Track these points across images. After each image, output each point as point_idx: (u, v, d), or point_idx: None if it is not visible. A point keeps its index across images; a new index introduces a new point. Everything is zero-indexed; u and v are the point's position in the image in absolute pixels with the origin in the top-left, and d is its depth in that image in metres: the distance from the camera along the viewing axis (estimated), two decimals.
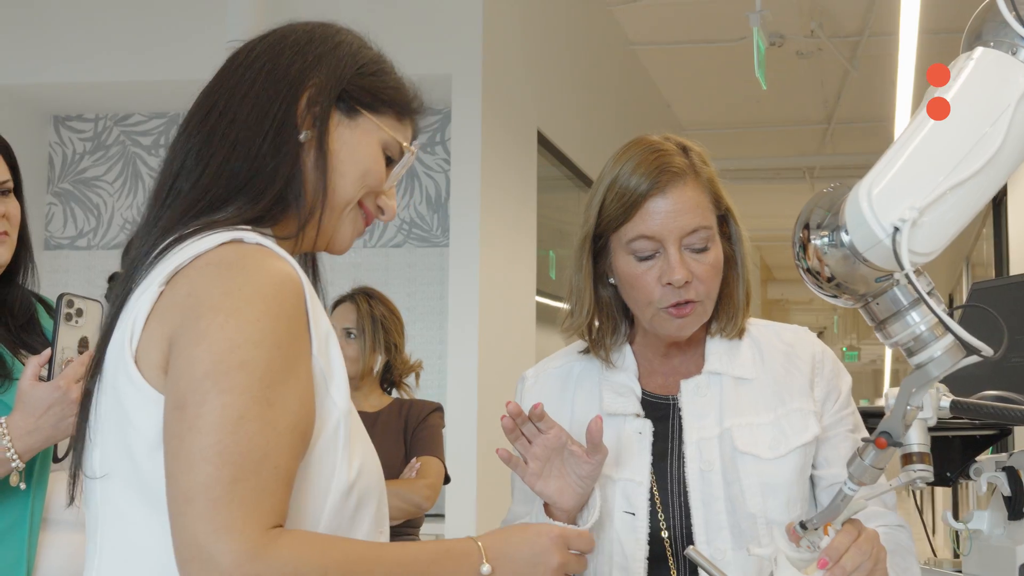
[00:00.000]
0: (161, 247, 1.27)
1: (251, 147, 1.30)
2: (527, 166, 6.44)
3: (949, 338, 1.31)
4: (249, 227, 1.27)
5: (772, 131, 10.26)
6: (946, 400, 1.53)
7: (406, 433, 3.43)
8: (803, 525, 1.42)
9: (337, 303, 3.62)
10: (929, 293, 1.29)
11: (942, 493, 10.78)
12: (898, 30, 5.54)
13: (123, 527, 1.24)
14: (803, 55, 8.30)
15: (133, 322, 1.23)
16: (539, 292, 6.87)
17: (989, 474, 1.77)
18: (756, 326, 1.80)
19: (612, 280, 1.75)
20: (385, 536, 1.34)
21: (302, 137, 1.32)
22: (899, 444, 1.35)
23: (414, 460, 3.35)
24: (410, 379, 3.66)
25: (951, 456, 2.00)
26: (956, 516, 1.86)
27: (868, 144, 10.46)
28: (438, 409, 3.53)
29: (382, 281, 3.78)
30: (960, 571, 1.89)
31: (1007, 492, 1.74)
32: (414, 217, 5.74)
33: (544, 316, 6.85)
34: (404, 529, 3.34)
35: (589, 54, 7.68)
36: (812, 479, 1.73)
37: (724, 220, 1.74)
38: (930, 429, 1.97)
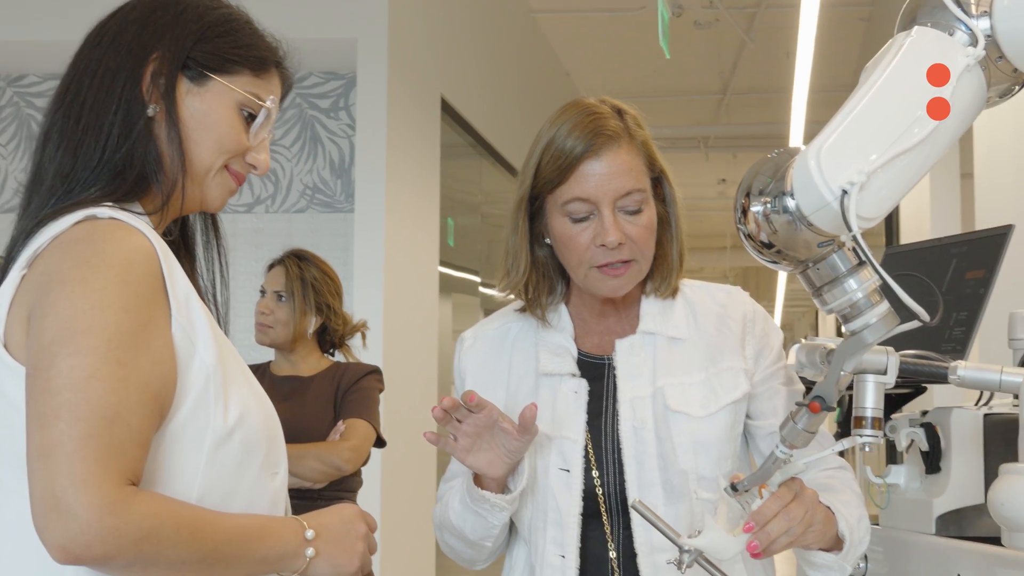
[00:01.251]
0: (27, 231, 1.32)
1: (102, 129, 1.33)
2: (431, 133, 6.42)
3: (884, 305, 1.35)
4: (110, 203, 1.31)
5: (668, 101, 10.35)
6: (895, 360, 1.59)
7: (337, 396, 3.40)
8: (734, 487, 1.45)
9: (271, 266, 3.58)
10: (864, 262, 1.33)
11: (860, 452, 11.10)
12: (798, 2, 5.62)
13: (8, 501, 1.26)
14: (701, 25, 8.38)
15: (1, 307, 1.27)
16: (440, 262, 6.87)
17: (909, 430, 1.82)
18: (690, 287, 1.84)
19: (548, 241, 1.77)
20: (282, 479, 1.40)
21: (150, 112, 1.34)
22: (831, 408, 1.39)
23: (340, 423, 3.33)
24: (356, 340, 3.64)
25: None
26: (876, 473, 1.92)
27: (763, 115, 10.63)
28: (373, 372, 3.50)
29: (284, 247, 3.73)
30: (878, 524, 1.95)
31: (925, 447, 1.80)
32: (317, 183, 5.68)
33: (443, 286, 6.85)
34: (337, 493, 3.29)
35: (492, 21, 7.66)
36: (749, 431, 1.77)
37: (658, 182, 1.77)
38: (850, 391, 2.05)
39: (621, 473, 1.71)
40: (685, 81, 10.01)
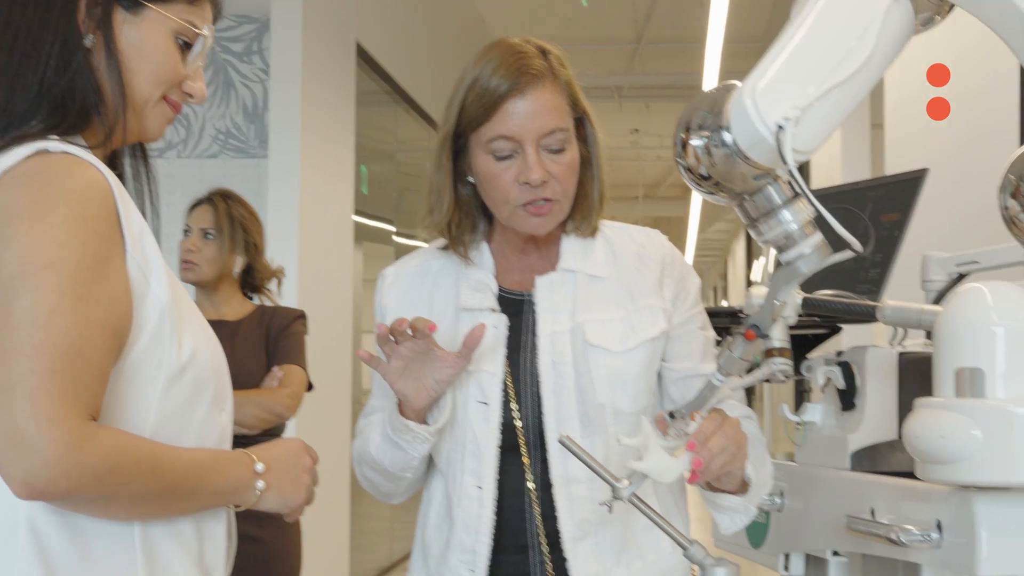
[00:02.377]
0: None
1: (39, 62, 1.31)
2: (346, 80, 6.35)
3: (818, 236, 1.38)
4: (56, 137, 1.30)
5: (582, 49, 10.36)
6: (798, 297, 1.62)
7: (268, 342, 3.37)
8: (672, 415, 1.49)
9: (194, 205, 3.52)
10: (800, 194, 1.37)
11: (771, 392, 11.33)
12: None
13: None
14: None
15: None
16: (355, 211, 6.81)
17: (826, 368, 1.86)
18: (610, 227, 1.86)
19: (471, 179, 1.78)
20: (228, 415, 1.42)
21: (87, 43, 1.33)
22: (766, 336, 1.42)
23: (276, 369, 3.30)
24: (272, 285, 3.61)
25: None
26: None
27: (677, 65, 10.68)
28: (301, 316, 3.48)
29: (197, 193, 3.68)
30: (794, 461, 1.99)
31: (841, 385, 1.83)
32: (230, 127, 5.60)
33: (357, 234, 6.80)
34: (266, 440, 3.29)
35: None
36: (661, 374, 1.80)
37: (580, 123, 1.78)
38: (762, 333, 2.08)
39: (539, 406, 1.73)
40: (599, 30, 10.01)
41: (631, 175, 16.39)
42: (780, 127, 1.28)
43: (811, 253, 1.38)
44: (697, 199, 15.23)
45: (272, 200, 5.44)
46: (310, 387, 3.44)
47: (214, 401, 1.38)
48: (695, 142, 1.37)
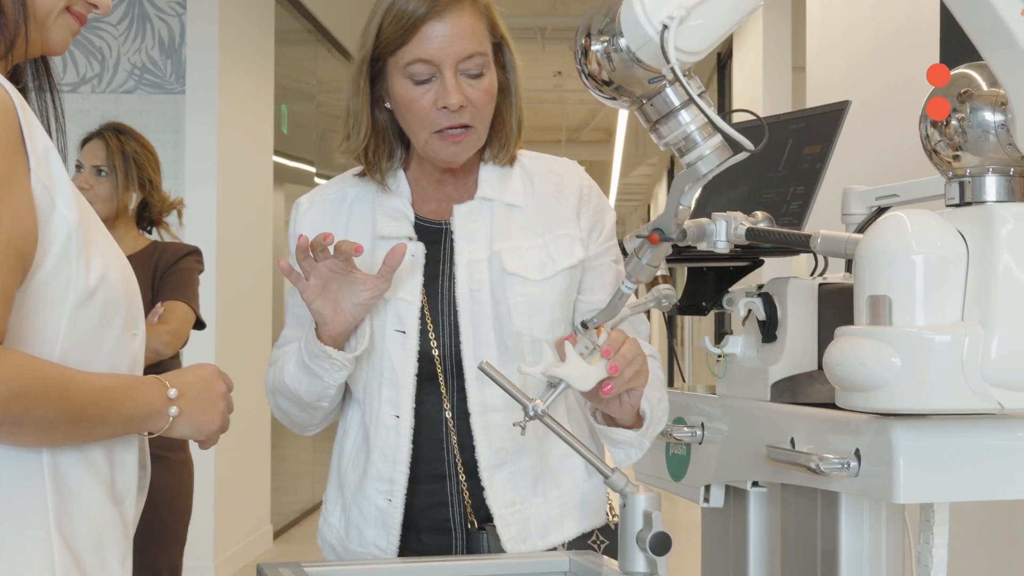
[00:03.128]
0: None
1: None
2: (265, 16, 6.23)
3: (717, 137, 1.41)
4: None
5: None
6: (742, 227, 1.65)
7: (155, 277, 3.31)
8: (584, 324, 1.51)
9: (85, 140, 3.44)
10: (700, 95, 1.39)
11: (692, 325, 11.50)
12: None
13: None
14: None
15: None
16: (275, 151, 6.72)
17: (747, 300, 1.86)
18: (528, 157, 1.86)
19: (388, 105, 1.77)
20: (140, 339, 1.39)
21: None
22: (671, 239, 1.44)
23: (158, 305, 3.24)
24: (172, 218, 3.55)
25: (706, 288, 2.10)
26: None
27: None
28: (193, 253, 3.42)
29: None
30: (715, 393, 1.99)
31: (762, 316, 1.84)
32: (145, 62, 5.47)
33: (277, 175, 6.72)
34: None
35: None
36: (575, 305, 1.81)
37: (499, 49, 1.77)
38: (690, 264, 2.08)
39: (457, 335, 1.74)
40: None
41: (554, 118, 16.36)
42: (664, 26, 1.32)
43: (710, 154, 1.40)
44: (620, 143, 15.26)
45: (189, 138, 5.34)
46: (201, 325, 3.39)
47: (125, 325, 1.34)
48: (595, 47, 1.41)
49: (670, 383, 2.03)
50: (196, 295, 3.36)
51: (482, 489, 1.73)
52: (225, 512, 5.60)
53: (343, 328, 1.70)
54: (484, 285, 1.73)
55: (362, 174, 1.83)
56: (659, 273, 1.51)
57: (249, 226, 5.90)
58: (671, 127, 1.42)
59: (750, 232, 1.63)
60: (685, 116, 1.41)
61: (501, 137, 1.80)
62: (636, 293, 1.56)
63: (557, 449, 1.76)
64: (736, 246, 1.68)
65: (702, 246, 1.65)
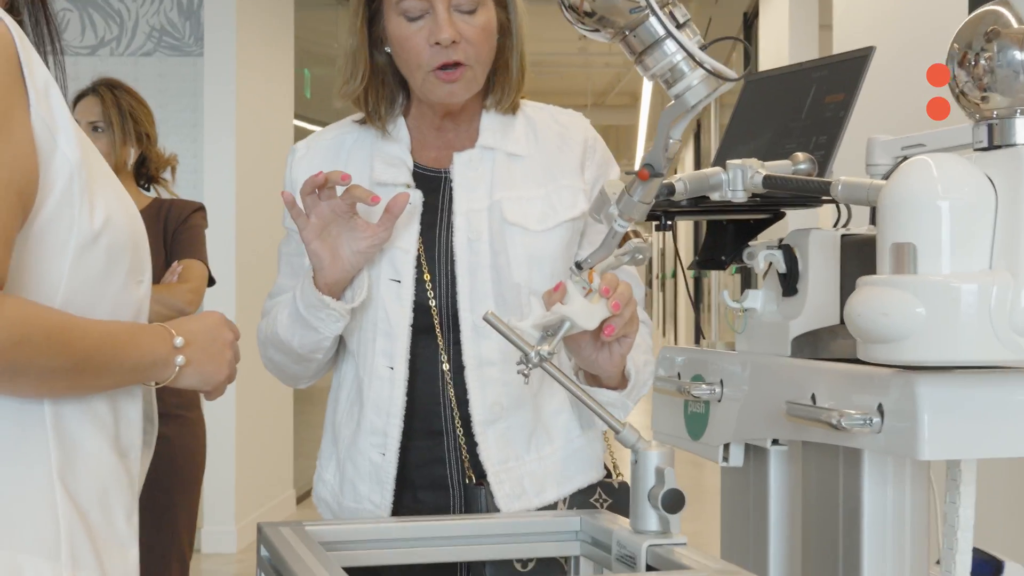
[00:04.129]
0: None
1: None
2: None
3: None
4: None
5: None
6: (758, 175, 1.61)
7: (166, 235, 3.31)
8: (578, 265, 1.49)
9: (79, 97, 3.42)
10: (682, 25, 1.37)
11: (717, 280, 11.48)
12: None
13: None
14: None
15: None
16: (296, 115, 6.69)
17: (767, 252, 1.82)
18: (531, 107, 1.85)
19: (388, 49, 1.76)
20: (147, 287, 1.35)
21: None
22: (661, 175, 1.42)
23: (176, 264, 3.24)
24: (167, 175, 3.55)
25: (725, 241, 2.05)
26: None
27: None
28: (200, 209, 3.42)
29: None
30: (735, 350, 1.95)
31: (783, 269, 1.79)
32: (164, 24, 5.43)
33: (299, 138, 6.69)
34: None
35: None
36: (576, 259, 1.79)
37: None
38: (708, 216, 2.04)
39: (453, 285, 1.73)
40: None
41: (579, 82, 16.26)
42: None
43: (698, 84, 1.37)
44: (646, 108, 15.17)
45: (208, 101, 5.31)
46: (211, 282, 3.40)
47: (131, 272, 1.30)
48: None
49: (696, 341, 2.01)
50: (206, 251, 3.38)
51: (476, 445, 1.73)
52: (246, 476, 5.61)
53: (340, 276, 1.68)
54: (483, 235, 1.73)
55: (362, 121, 1.82)
56: (630, 228, 1.49)
57: (268, 190, 5.88)
58: (656, 58, 1.39)
59: (767, 180, 1.59)
60: (670, 46, 1.38)
61: (503, 82, 1.78)
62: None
63: (551, 404, 1.77)
64: (754, 195, 1.64)
65: (715, 196, 1.60)
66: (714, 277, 12.12)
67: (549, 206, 1.76)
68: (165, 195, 3.54)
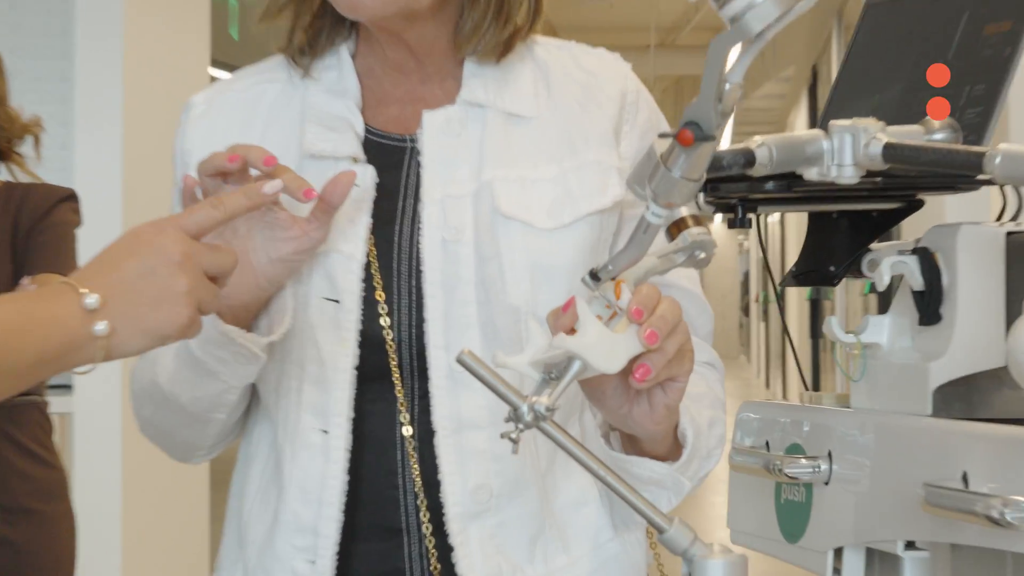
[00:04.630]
0: None
1: None
2: None
3: None
4: None
5: None
6: (877, 144, 1.57)
7: (16, 235, 3.33)
8: (595, 275, 1.47)
9: None
10: None
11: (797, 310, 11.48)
12: None
13: None
14: None
15: None
16: (215, 62, 6.73)
17: (895, 260, 1.81)
18: (544, 46, 1.86)
19: None
20: None
21: None
22: (712, 138, 1.37)
23: (26, 281, 3.25)
24: (25, 148, 3.57)
25: (835, 243, 2.04)
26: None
27: None
28: (68, 198, 3.46)
29: None
30: (847, 406, 1.95)
31: (918, 284, 1.79)
32: None
33: None
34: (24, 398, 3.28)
35: None
36: None
37: None
38: (807, 206, 2.04)
39: (420, 309, 1.73)
40: None
41: (640, 15, 16.36)
42: None
43: (763, 1, 1.35)
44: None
45: (83, 43, 5.36)
46: None
47: None
48: None
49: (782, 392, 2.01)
50: (75, 259, 3.39)
51: (452, 550, 1.71)
52: None
53: (251, 296, 1.69)
54: (465, 233, 1.73)
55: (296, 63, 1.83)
56: (686, 213, 1.49)
57: (171, 171, 5.92)
58: None
59: (890, 151, 1.57)
60: None
61: (476, 10, 1.76)
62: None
63: (569, 490, 1.77)
64: (872, 174, 1.62)
65: (812, 174, 1.58)
66: (840, 299, 12.15)
67: (565, 192, 1.76)
68: (23, 177, 3.57)
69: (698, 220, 1.51)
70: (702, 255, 1.52)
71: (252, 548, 1.78)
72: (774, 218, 17.95)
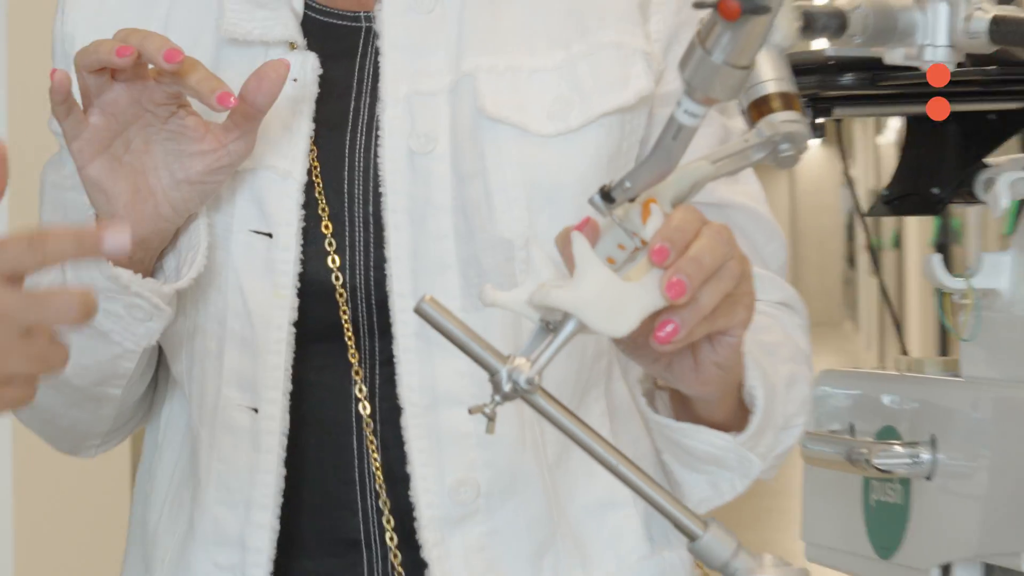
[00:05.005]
0: None
1: None
2: None
3: None
4: None
5: None
6: (983, 17, 1.59)
7: None
8: (606, 195, 1.43)
9: None
10: None
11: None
12: None
13: None
14: None
15: None
16: None
17: (1015, 177, 1.82)
18: None
19: None
20: None
21: None
22: (766, 8, 1.34)
23: None
24: None
25: (941, 159, 2.05)
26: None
27: None
28: None
29: None
30: (956, 374, 1.96)
31: None
32: None
33: None
34: None
35: None
36: None
37: None
38: (900, 108, 2.05)
39: (380, 245, 1.73)
40: None
41: None
42: None
43: None
44: None
45: None
46: None
47: None
48: None
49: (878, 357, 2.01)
50: None
51: (426, 567, 1.71)
52: None
53: (150, 229, 1.68)
54: (439, 144, 1.73)
55: None
56: (773, 89, 1.45)
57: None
58: None
59: (1000, 27, 1.57)
60: None
61: None
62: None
63: (588, 488, 1.75)
64: (980, 62, 1.63)
65: (897, 58, 1.58)
66: (974, 240, 12.09)
67: (573, 86, 1.75)
68: None
69: (787, 100, 1.47)
70: (788, 151, 1.46)
71: (160, 568, 1.79)
72: (888, 138, 17.94)
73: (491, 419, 1.39)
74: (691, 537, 1.38)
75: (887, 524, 2.05)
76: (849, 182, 2.29)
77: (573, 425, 1.41)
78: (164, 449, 1.82)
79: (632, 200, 1.44)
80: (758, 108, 1.46)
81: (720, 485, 1.67)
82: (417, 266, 1.71)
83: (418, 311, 1.40)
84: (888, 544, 2.05)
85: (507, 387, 1.38)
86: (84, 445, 1.90)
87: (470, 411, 1.41)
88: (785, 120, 1.44)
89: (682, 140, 1.42)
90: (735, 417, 1.62)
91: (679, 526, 1.39)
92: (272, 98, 1.63)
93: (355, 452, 1.73)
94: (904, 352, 2.25)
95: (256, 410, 1.72)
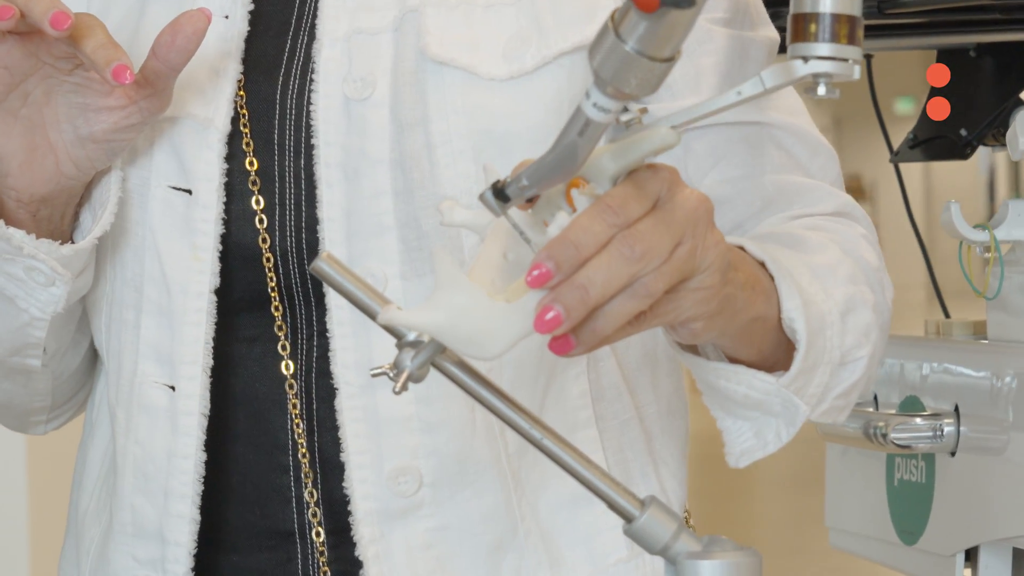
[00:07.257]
0: None
1: None
2: None
3: None
4: None
5: None
6: None
7: None
8: (500, 193, 1.35)
9: None
10: None
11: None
12: None
13: None
14: None
15: None
16: None
17: None
18: None
19: None
20: None
21: None
22: (689, 2, 1.22)
23: None
24: None
25: (974, 94, 2.03)
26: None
27: None
28: None
29: None
30: (984, 337, 1.93)
31: None
32: None
33: None
34: None
35: None
36: None
37: None
38: (929, 40, 2.04)
39: (312, 203, 1.71)
40: None
41: None
42: None
43: None
44: None
45: None
46: None
47: None
48: None
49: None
50: None
51: (360, 566, 1.70)
52: None
53: (51, 188, 1.68)
54: (378, 89, 1.72)
55: None
56: (829, 6, 1.29)
57: None
58: None
59: None
60: None
61: None
62: None
63: (556, 481, 1.70)
64: None
65: None
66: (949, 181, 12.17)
67: (532, 21, 1.74)
68: None
69: (840, 24, 1.32)
70: (822, 89, 1.33)
71: (87, 560, 1.80)
72: None
73: (394, 380, 1.35)
74: (627, 518, 1.34)
75: (911, 506, 2.02)
76: (882, 124, 2.27)
77: (483, 390, 1.38)
78: (95, 430, 1.84)
79: (531, 201, 1.36)
80: (801, 27, 1.34)
81: (765, 433, 1.61)
82: (352, 228, 1.70)
83: (314, 269, 1.36)
84: (912, 528, 2.03)
85: (389, 324, 1.35)
86: (29, 421, 1.92)
87: (372, 372, 1.37)
88: (827, 50, 1.32)
89: (590, 137, 1.33)
90: (781, 353, 1.56)
91: (612, 506, 1.35)
92: (188, 54, 1.62)
93: (284, 435, 1.73)
94: (944, 310, 2.24)
95: (173, 388, 1.71)
